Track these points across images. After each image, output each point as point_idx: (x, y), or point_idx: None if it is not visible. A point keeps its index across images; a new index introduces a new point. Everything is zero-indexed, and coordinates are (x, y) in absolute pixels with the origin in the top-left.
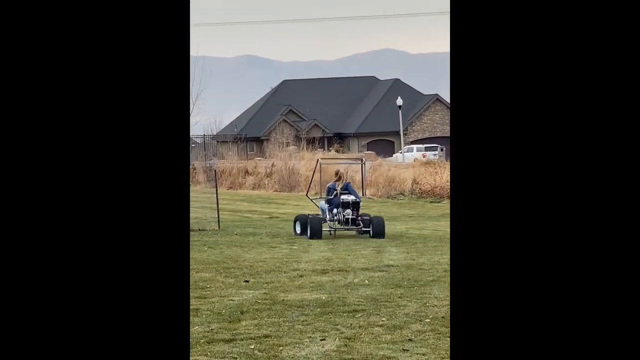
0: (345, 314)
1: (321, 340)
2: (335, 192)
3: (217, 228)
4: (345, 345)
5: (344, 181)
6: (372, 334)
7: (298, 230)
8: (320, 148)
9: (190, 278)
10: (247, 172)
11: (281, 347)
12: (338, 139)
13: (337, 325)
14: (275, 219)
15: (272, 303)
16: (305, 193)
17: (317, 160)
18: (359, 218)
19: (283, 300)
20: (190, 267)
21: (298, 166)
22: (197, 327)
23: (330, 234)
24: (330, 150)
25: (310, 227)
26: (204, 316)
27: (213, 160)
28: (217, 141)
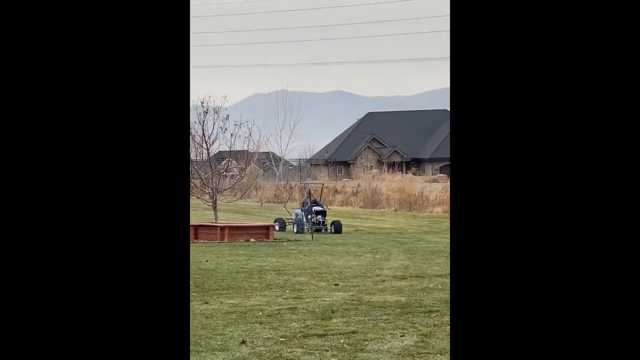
0: (421, 314)
1: (401, 336)
2: (308, 204)
3: (311, 239)
4: (422, 341)
5: (313, 197)
6: (445, 331)
7: (277, 228)
8: (399, 171)
9: (288, 281)
10: (336, 191)
11: (366, 342)
12: (415, 164)
13: (415, 323)
14: (361, 232)
15: (359, 304)
16: (284, 205)
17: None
18: (325, 221)
19: (368, 301)
20: (288, 272)
21: (380, 186)
22: (294, 323)
23: (308, 231)
24: (407, 173)
25: (297, 226)
26: (300, 314)
27: (307, 180)
28: (311, 164)
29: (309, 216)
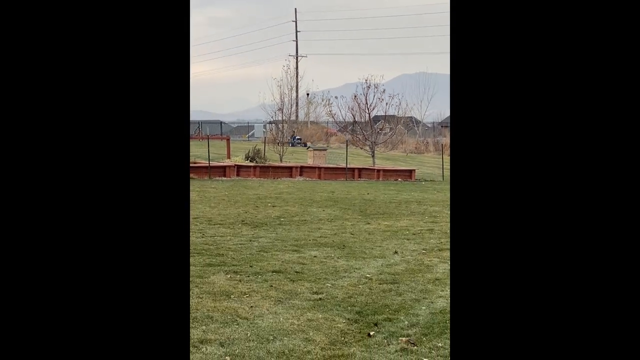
0: None
1: None
2: (293, 136)
3: (442, 180)
4: None
5: (295, 135)
6: None
7: (290, 145)
8: None
9: (427, 210)
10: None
11: None
12: None
13: None
14: None
15: None
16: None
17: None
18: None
19: None
20: (426, 203)
21: None
22: (432, 240)
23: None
24: None
25: (290, 144)
26: (436, 234)
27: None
28: (442, 126)
29: (294, 140)
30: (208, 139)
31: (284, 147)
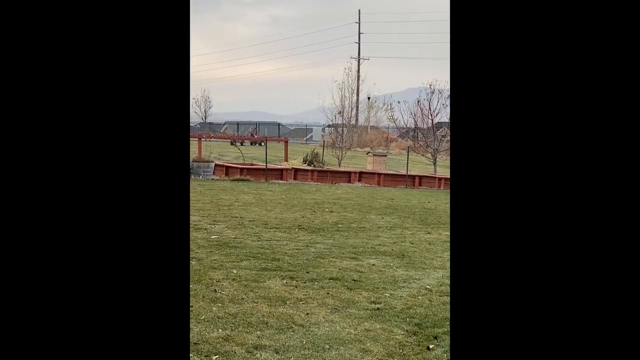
0: None
1: None
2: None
3: None
4: None
5: (256, 135)
6: None
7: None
8: None
9: None
10: None
11: None
12: None
13: None
14: None
15: None
16: None
17: None
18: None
19: None
20: None
21: None
22: None
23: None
24: None
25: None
26: None
27: None
28: None
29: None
30: (266, 140)
31: (343, 152)
